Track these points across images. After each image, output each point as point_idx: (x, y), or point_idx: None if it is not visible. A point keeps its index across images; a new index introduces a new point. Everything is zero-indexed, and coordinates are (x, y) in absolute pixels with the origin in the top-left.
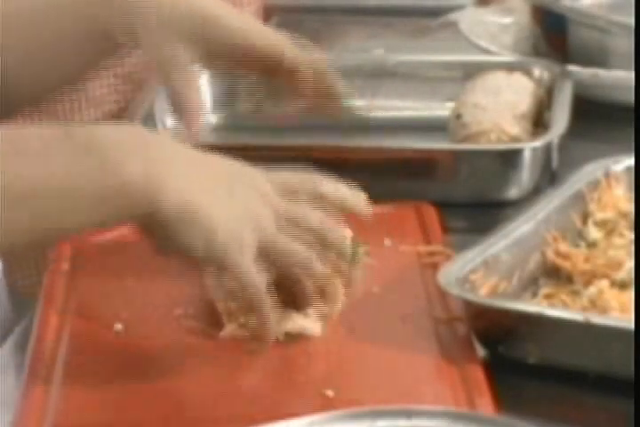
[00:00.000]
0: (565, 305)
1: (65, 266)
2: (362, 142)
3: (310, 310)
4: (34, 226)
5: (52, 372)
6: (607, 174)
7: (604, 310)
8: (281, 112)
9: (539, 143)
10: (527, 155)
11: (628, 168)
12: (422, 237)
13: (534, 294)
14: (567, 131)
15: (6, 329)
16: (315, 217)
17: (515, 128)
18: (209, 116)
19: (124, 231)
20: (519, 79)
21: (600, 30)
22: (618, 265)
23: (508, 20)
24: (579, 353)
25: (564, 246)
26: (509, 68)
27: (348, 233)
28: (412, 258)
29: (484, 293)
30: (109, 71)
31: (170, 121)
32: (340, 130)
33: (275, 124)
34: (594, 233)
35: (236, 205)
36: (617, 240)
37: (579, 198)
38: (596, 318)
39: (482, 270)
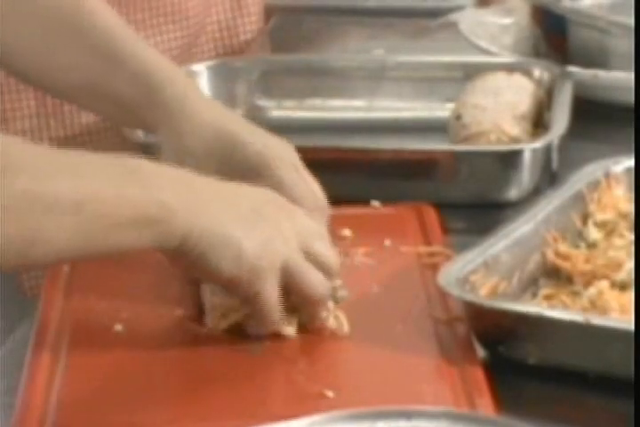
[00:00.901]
0: (565, 306)
1: (65, 267)
2: (362, 143)
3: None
4: (73, 241)
5: (53, 372)
6: (607, 175)
7: (603, 311)
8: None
9: (539, 144)
10: (527, 156)
11: (628, 169)
12: (422, 237)
13: (534, 295)
14: (567, 131)
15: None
16: (331, 253)
17: (515, 129)
18: None
19: None
20: (519, 80)
21: (600, 31)
22: (618, 266)
23: (508, 20)
24: (579, 354)
25: (563, 247)
26: (509, 68)
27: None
28: (412, 259)
29: (483, 293)
30: None
31: None
32: (341, 131)
33: (274, 126)
34: (594, 234)
35: (264, 232)
36: (617, 241)
37: (579, 199)
38: (596, 319)
39: (482, 271)
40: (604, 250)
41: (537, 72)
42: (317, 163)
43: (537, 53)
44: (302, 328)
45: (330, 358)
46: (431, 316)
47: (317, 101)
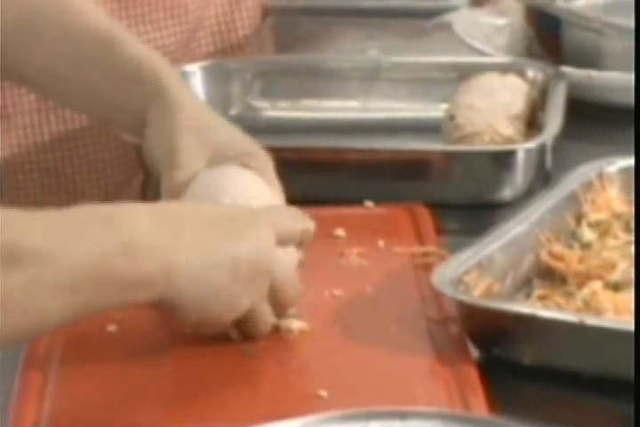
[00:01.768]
0: (559, 306)
1: None
2: (356, 143)
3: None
4: (67, 309)
5: (47, 372)
6: (601, 176)
7: (597, 312)
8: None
9: (532, 144)
10: (521, 156)
11: (621, 169)
12: (416, 238)
13: (528, 296)
14: (561, 132)
15: None
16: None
17: (508, 129)
18: None
19: None
20: (513, 80)
21: (594, 31)
22: (611, 266)
23: (502, 21)
24: (573, 354)
25: (557, 248)
26: (503, 69)
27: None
28: (406, 259)
29: (477, 294)
30: None
31: None
32: (335, 131)
33: (269, 126)
34: (588, 234)
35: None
36: (611, 241)
37: (572, 200)
38: (591, 320)
39: (476, 271)
40: (598, 251)
41: (531, 72)
42: (312, 163)
43: (531, 54)
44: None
45: (323, 358)
46: (425, 316)
47: (312, 102)
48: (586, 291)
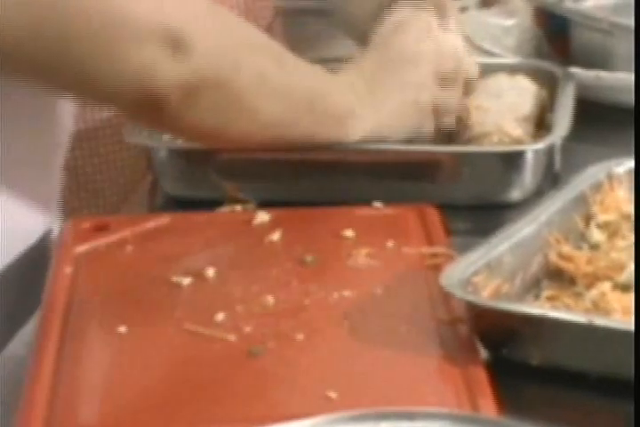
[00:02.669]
0: (568, 307)
1: (67, 269)
2: (364, 144)
3: None
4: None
5: (55, 373)
6: (610, 176)
7: (606, 313)
8: None
9: (541, 145)
10: (529, 157)
11: (630, 170)
12: (425, 238)
13: (537, 297)
14: (570, 133)
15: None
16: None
17: (517, 130)
18: None
19: (126, 234)
20: (522, 81)
21: (603, 32)
22: (620, 267)
23: (510, 22)
24: (582, 355)
25: (566, 249)
26: (512, 70)
27: None
28: (415, 260)
29: (486, 294)
30: None
31: None
32: None
33: None
34: (596, 235)
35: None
36: (620, 242)
37: (581, 200)
38: (600, 321)
39: (485, 272)
40: (607, 251)
41: (540, 73)
42: (320, 163)
43: (539, 55)
44: None
45: (332, 359)
46: (434, 317)
47: None
48: (594, 292)
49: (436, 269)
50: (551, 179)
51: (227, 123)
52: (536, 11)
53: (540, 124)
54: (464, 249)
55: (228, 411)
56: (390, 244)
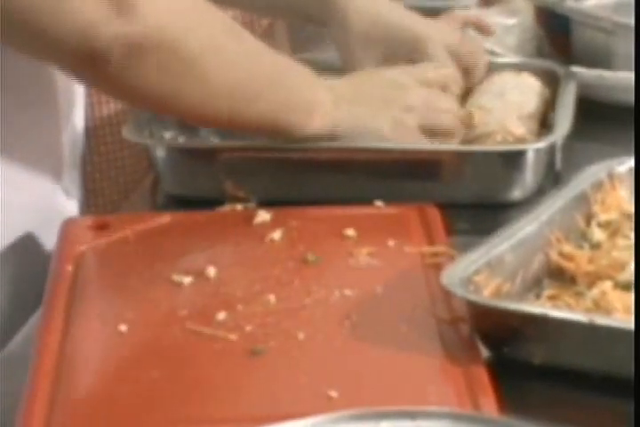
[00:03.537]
0: (569, 306)
1: (68, 267)
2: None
3: None
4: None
5: (56, 373)
6: (611, 176)
7: (607, 312)
8: None
9: (542, 144)
10: (530, 156)
11: (631, 169)
12: (426, 237)
13: (538, 296)
14: (571, 132)
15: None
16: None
17: (520, 129)
18: None
19: (126, 232)
20: (527, 79)
21: (604, 31)
22: (621, 266)
23: (511, 21)
24: (583, 354)
25: (567, 248)
26: (515, 69)
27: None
28: (416, 259)
29: (487, 294)
30: None
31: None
32: None
33: None
34: (597, 234)
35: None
36: (621, 241)
37: (582, 200)
38: (600, 320)
39: (486, 271)
40: (608, 250)
41: (542, 72)
42: (322, 162)
43: (541, 54)
44: None
45: (333, 358)
46: (435, 316)
47: None
48: (595, 291)
49: (437, 268)
50: (552, 178)
51: (173, 87)
52: (537, 10)
53: (545, 121)
54: (465, 248)
55: (230, 410)
56: (391, 243)
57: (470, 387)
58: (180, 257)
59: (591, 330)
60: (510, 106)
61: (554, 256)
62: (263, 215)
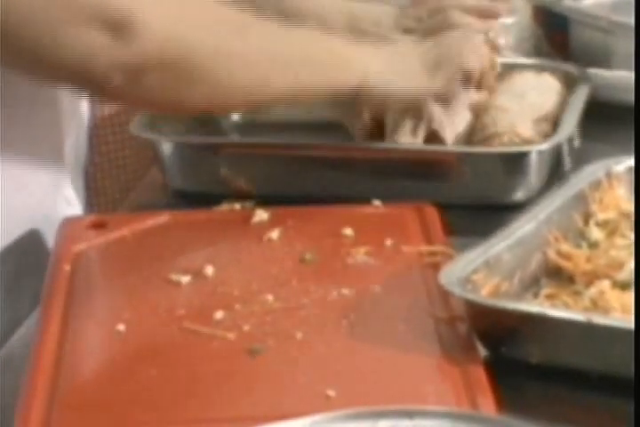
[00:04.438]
0: (567, 306)
1: (66, 267)
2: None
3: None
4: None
5: (55, 372)
6: (609, 175)
7: (605, 311)
8: None
9: (545, 146)
10: (534, 158)
11: (629, 168)
12: (424, 237)
13: (536, 295)
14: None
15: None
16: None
17: (529, 131)
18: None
19: (124, 232)
20: (548, 79)
21: (602, 30)
22: (619, 266)
23: (509, 20)
24: (581, 354)
25: (565, 247)
26: (528, 69)
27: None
28: (414, 258)
29: (485, 293)
30: None
31: None
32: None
33: (277, 124)
34: (595, 233)
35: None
36: (618, 241)
37: (580, 199)
38: (598, 319)
39: (483, 271)
40: (606, 250)
41: (558, 73)
42: (321, 161)
43: (539, 53)
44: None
45: (331, 357)
46: (433, 315)
47: None
48: (593, 290)
49: (435, 267)
50: (559, 179)
51: (183, 95)
52: (535, 9)
53: (558, 123)
54: (466, 249)
55: (227, 409)
56: (389, 242)
57: (468, 386)
58: (178, 256)
59: (589, 329)
60: (526, 107)
61: (552, 255)
62: (261, 215)
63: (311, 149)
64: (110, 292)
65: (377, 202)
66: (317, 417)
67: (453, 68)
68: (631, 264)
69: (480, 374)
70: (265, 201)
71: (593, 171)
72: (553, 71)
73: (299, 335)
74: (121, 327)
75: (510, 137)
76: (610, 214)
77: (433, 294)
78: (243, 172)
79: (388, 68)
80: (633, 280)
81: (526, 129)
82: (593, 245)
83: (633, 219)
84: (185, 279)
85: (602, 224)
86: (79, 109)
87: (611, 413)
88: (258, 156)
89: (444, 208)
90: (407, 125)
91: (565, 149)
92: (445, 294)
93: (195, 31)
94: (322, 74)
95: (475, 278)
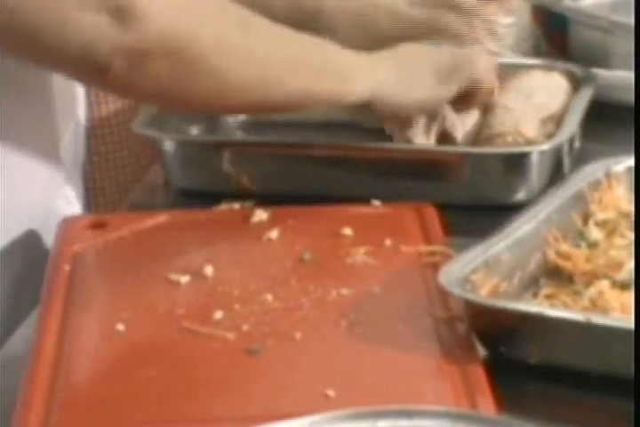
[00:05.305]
0: (566, 306)
1: (66, 267)
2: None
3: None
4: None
5: (54, 372)
6: (608, 175)
7: (604, 311)
8: None
9: (546, 147)
10: (534, 158)
11: (628, 168)
12: (423, 237)
13: (535, 295)
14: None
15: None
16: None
17: (533, 131)
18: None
19: (124, 232)
20: (556, 79)
21: (601, 30)
22: (618, 265)
23: (508, 20)
24: (580, 353)
25: (564, 247)
26: (532, 70)
27: None
28: (413, 258)
29: (484, 293)
30: None
31: None
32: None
33: (277, 123)
34: (595, 233)
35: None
36: (618, 240)
37: (580, 199)
38: (598, 319)
39: (483, 271)
40: (605, 250)
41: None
42: (320, 160)
43: (538, 53)
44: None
45: (330, 357)
46: (432, 315)
47: None
48: (593, 290)
49: (434, 267)
50: (560, 179)
51: (184, 87)
52: (534, 9)
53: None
54: (465, 250)
55: (226, 409)
56: (388, 242)
57: (467, 386)
58: (178, 256)
59: (588, 329)
60: (532, 107)
61: (551, 255)
62: (260, 214)
63: (312, 148)
64: (110, 291)
65: (376, 202)
66: (317, 417)
67: (466, 79)
68: (630, 264)
69: (479, 374)
70: (266, 200)
71: (592, 171)
72: (556, 71)
73: (298, 335)
74: (120, 327)
75: (514, 137)
76: (609, 214)
77: (432, 294)
78: (245, 170)
79: (398, 75)
80: (632, 280)
81: (530, 129)
82: (592, 245)
83: (632, 219)
84: (184, 279)
85: (601, 224)
86: (75, 108)
87: (610, 413)
88: (260, 154)
89: (444, 208)
90: (420, 125)
91: (566, 149)
92: (445, 294)
93: (197, 20)
94: (328, 80)
95: (474, 278)
